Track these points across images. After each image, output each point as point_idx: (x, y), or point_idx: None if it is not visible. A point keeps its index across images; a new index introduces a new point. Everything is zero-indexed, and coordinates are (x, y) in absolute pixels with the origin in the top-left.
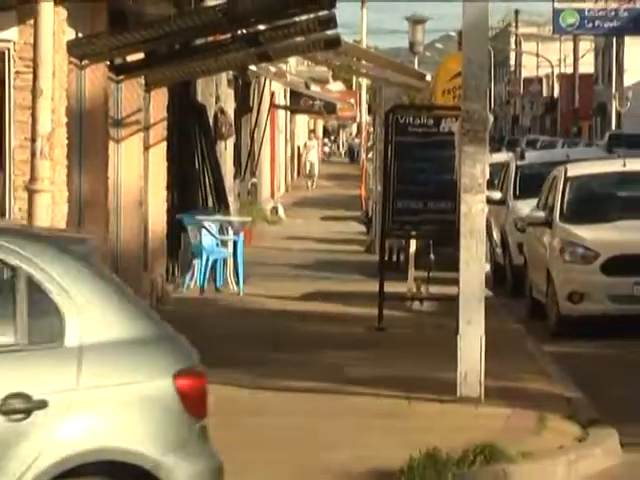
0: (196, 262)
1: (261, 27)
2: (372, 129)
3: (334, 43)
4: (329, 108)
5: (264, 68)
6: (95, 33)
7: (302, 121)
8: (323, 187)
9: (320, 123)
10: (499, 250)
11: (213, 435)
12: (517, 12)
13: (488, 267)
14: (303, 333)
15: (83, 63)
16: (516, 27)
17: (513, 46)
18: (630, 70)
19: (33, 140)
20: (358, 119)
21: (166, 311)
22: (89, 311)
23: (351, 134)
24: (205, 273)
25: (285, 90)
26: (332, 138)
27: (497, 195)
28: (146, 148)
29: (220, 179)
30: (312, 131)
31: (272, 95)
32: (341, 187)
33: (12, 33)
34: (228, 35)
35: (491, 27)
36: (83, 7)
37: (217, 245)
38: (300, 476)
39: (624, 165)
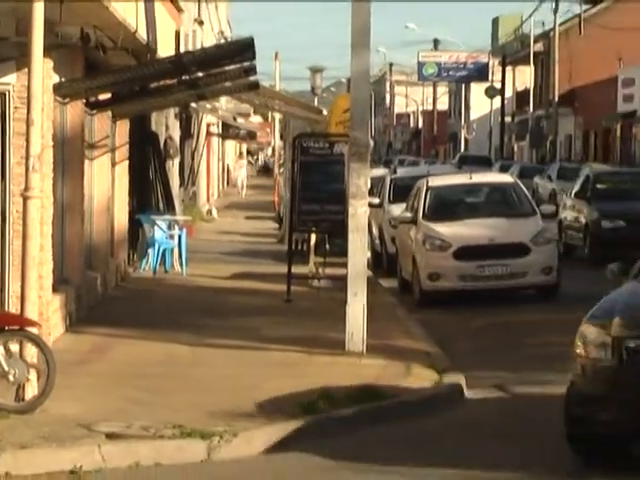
0: (150, 251)
1: (200, 74)
2: (283, 151)
3: (254, 86)
4: (251, 135)
5: (202, 105)
6: (74, 78)
7: (230, 145)
8: (247, 195)
9: (244, 146)
10: (377, 242)
11: (161, 383)
12: (391, 64)
13: (369, 254)
14: (231, 303)
15: (65, 100)
16: (390, 75)
17: (388, 89)
18: (474, 107)
19: (27, 158)
20: (272, 143)
21: (127, 287)
22: None
23: (267, 155)
24: (157, 259)
25: (218, 122)
26: (255, 158)
27: (376, 200)
28: (113, 165)
29: (168, 188)
30: (242, 153)
31: (208, 125)
32: (260, 194)
33: (12, 78)
34: (175, 80)
35: (372, 75)
36: (65, 58)
37: (166, 238)
38: (229, 408)
39: (470, 178)
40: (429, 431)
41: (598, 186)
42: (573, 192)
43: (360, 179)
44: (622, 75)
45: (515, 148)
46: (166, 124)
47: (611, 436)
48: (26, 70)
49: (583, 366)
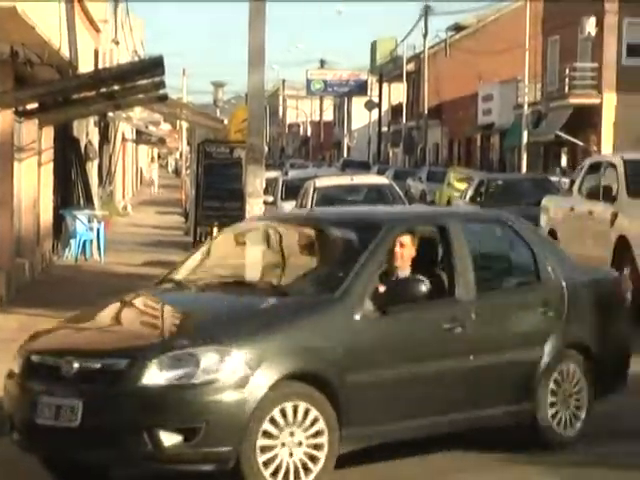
0: (72, 241)
1: (116, 87)
2: (189, 155)
3: (163, 98)
4: (161, 141)
5: (118, 114)
6: (5, 90)
7: (143, 149)
8: (158, 193)
9: (156, 151)
10: None
11: None
12: (284, 81)
13: None
14: (142, 287)
15: None
16: (283, 90)
17: (281, 102)
18: (355, 119)
19: None
20: (180, 148)
21: (52, 273)
22: None
23: (176, 158)
24: (78, 249)
25: (132, 129)
26: (165, 161)
27: (270, 199)
28: (39, 166)
29: (88, 187)
30: (153, 157)
31: (123, 132)
32: (169, 193)
33: None
34: (94, 92)
35: (267, 90)
36: None
37: (86, 230)
38: None
39: (352, 179)
40: None
41: (491, 191)
42: (467, 196)
43: (256, 180)
44: (482, 92)
45: (390, 154)
46: (86, 131)
47: None
48: None
49: None
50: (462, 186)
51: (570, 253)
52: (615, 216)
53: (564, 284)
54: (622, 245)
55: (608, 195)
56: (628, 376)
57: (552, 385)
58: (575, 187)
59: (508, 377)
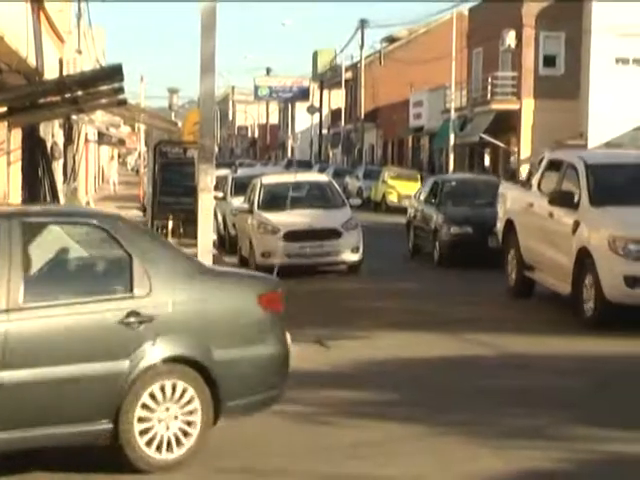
0: None
1: (79, 93)
2: (147, 155)
3: (123, 103)
4: (121, 142)
5: (81, 117)
6: None
7: (104, 150)
8: (118, 189)
9: (116, 151)
10: (222, 227)
11: None
12: (233, 87)
13: (215, 237)
14: None
15: None
16: (232, 95)
17: (231, 106)
18: (298, 122)
19: None
20: (139, 149)
21: None
22: None
23: (136, 157)
24: None
25: (94, 131)
26: (125, 160)
27: (220, 194)
28: (8, 165)
29: (54, 184)
30: (113, 157)
31: (86, 134)
32: (128, 189)
33: None
34: (59, 97)
35: (217, 95)
36: None
37: None
38: None
39: (295, 177)
40: None
41: (446, 192)
42: (422, 197)
43: (207, 177)
44: (413, 98)
45: (330, 154)
46: (52, 132)
47: None
48: None
49: None
50: (395, 183)
51: (531, 248)
52: (577, 225)
53: (181, 296)
54: (584, 255)
55: (569, 201)
56: (274, 396)
57: (145, 402)
58: (534, 181)
59: (76, 394)
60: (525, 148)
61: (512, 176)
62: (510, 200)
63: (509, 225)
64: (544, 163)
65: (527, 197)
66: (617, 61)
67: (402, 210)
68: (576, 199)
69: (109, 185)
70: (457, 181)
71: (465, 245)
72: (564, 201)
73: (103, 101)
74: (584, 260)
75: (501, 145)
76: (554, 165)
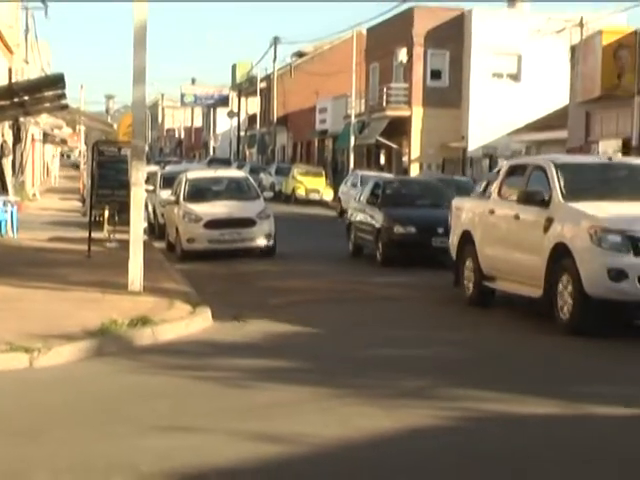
0: None
1: (26, 98)
2: (86, 152)
3: (65, 107)
4: (63, 141)
5: (28, 119)
6: None
7: (49, 148)
8: (61, 182)
9: (59, 149)
10: (152, 216)
11: None
12: (162, 94)
13: (145, 225)
14: (47, 258)
15: None
16: (162, 101)
17: (160, 111)
18: (219, 125)
19: None
20: (79, 147)
21: None
22: None
23: (76, 155)
24: None
25: (40, 131)
26: (67, 157)
27: (151, 187)
28: None
29: (3, 177)
30: (55, 154)
31: (32, 134)
32: (70, 182)
33: None
34: (8, 101)
35: (148, 101)
36: None
37: (2, 212)
38: (47, 331)
39: (216, 173)
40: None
41: (388, 193)
42: (364, 198)
43: (139, 173)
44: (319, 105)
45: (247, 153)
46: (2, 132)
47: None
48: None
49: None
50: (303, 179)
51: (492, 256)
52: (550, 222)
53: None
54: (559, 252)
55: (539, 199)
56: None
57: None
58: (494, 189)
59: None
60: (415, 149)
61: (404, 172)
62: (466, 212)
63: (465, 237)
64: (504, 170)
65: (487, 205)
66: (493, 75)
67: (309, 202)
68: (546, 197)
69: (52, 179)
70: (398, 182)
71: (409, 245)
72: (534, 199)
73: (47, 105)
74: (559, 257)
75: (394, 146)
76: (517, 170)
